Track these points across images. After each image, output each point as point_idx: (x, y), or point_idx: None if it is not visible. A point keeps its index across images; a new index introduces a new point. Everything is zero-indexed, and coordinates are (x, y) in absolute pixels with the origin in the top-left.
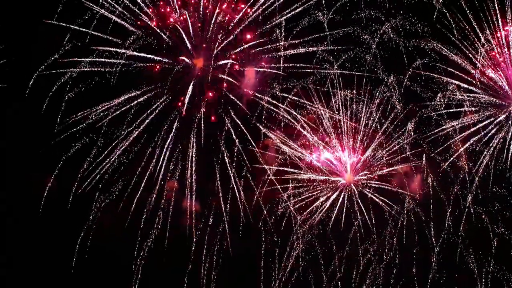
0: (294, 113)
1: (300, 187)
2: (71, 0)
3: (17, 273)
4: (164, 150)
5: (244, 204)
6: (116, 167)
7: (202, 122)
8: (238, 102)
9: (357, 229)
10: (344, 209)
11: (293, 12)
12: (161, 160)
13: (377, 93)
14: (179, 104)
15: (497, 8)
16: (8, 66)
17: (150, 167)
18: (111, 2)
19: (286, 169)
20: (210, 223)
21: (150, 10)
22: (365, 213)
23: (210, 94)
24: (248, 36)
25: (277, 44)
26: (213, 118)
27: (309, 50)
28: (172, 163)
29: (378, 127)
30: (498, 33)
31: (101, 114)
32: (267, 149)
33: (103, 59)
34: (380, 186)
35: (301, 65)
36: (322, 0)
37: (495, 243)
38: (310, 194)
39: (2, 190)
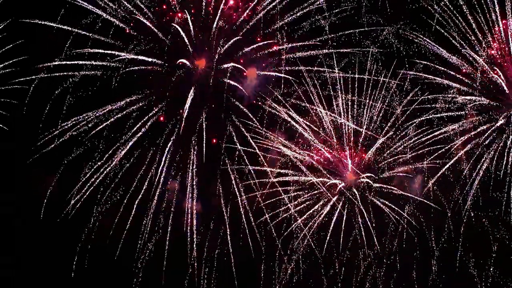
0: (296, 115)
1: (301, 190)
2: (73, 3)
3: (17, 274)
4: (165, 154)
5: (245, 207)
6: (117, 170)
7: (204, 126)
8: (239, 105)
9: (358, 232)
10: (345, 212)
11: (295, 16)
12: (162, 163)
13: (378, 97)
14: (181, 110)
15: (497, 10)
16: (9, 68)
17: (152, 170)
18: (111, 5)
19: (287, 171)
20: (211, 226)
21: (148, 10)
22: (365, 216)
23: (213, 105)
24: (250, 39)
25: (279, 47)
26: (215, 135)
27: (311, 53)
28: (173, 167)
29: (379, 130)
30: (499, 35)
31: (102, 118)
32: (268, 152)
33: (105, 63)
34: (381, 189)
35: (303, 68)
36: (324, 6)
37: (495, 248)
38: (311, 197)
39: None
